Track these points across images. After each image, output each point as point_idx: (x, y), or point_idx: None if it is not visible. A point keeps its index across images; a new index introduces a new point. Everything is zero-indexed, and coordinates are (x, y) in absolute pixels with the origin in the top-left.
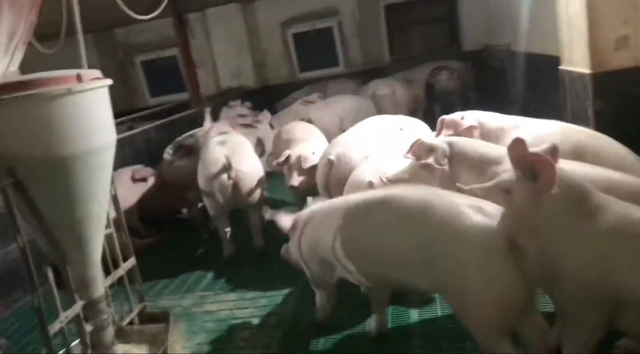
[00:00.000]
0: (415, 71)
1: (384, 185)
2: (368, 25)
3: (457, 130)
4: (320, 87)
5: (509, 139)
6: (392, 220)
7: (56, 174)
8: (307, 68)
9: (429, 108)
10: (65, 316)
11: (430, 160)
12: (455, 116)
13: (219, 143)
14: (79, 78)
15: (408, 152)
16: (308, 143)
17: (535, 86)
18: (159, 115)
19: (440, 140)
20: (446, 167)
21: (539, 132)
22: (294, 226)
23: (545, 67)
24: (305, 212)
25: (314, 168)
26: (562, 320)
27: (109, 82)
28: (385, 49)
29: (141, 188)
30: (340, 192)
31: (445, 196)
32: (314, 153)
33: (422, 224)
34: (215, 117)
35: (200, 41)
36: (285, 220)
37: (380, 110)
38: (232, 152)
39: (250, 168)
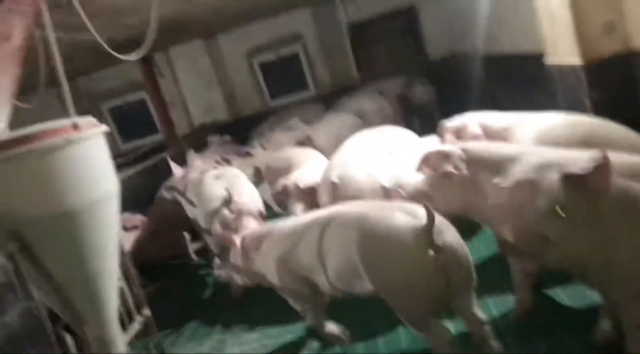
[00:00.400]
0: (387, 84)
1: (398, 193)
2: (333, 46)
3: (461, 137)
4: (285, 115)
5: (515, 138)
6: (337, 234)
7: (63, 230)
8: (278, 95)
9: (407, 121)
10: None
11: (448, 168)
12: (458, 122)
13: (214, 178)
14: (75, 127)
15: (421, 166)
16: (302, 168)
17: (511, 85)
18: (136, 160)
19: (452, 146)
20: (466, 172)
21: (544, 126)
22: (244, 247)
23: (520, 64)
24: (255, 233)
25: (314, 191)
26: (624, 318)
27: (106, 128)
28: (353, 67)
29: (134, 237)
30: None
31: (378, 206)
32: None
33: (360, 232)
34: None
35: (167, 81)
36: (235, 239)
37: (368, 125)
38: (230, 185)
39: (250, 199)
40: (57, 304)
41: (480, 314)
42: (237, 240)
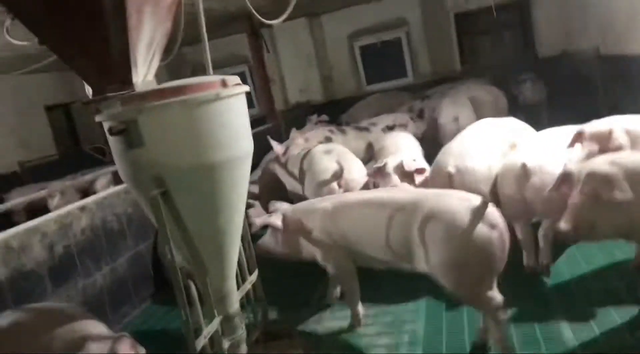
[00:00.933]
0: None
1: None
2: (438, 35)
3: (604, 145)
4: (372, 101)
5: None
6: (393, 214)
7: (203, 183)
8: (374, 80)
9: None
10: (208, 331)
11: (612, 193)
12: (600, 127)
13: (324, 153)
14: (224, 83)
15: (564, 187)
16: (405, 152)
17: (636, 89)
18: None
19: (603, 161)
20: (630, 194)
21: None
22: (286, 222)
23: None
24: (301, 208)
25: (412, 176)
26: None
27: (247, 88)
28: (456, 57)
29: None
30: None
31: (433, 192)
32: (414, 160)
33: (417, 215)
34: (287, 133)
35: (269, 57)
36: (274, 218)
37: (480, 116)
38: (341, 160)
39: (358, 175)
40: (185, 253)
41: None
42: (279, 218)
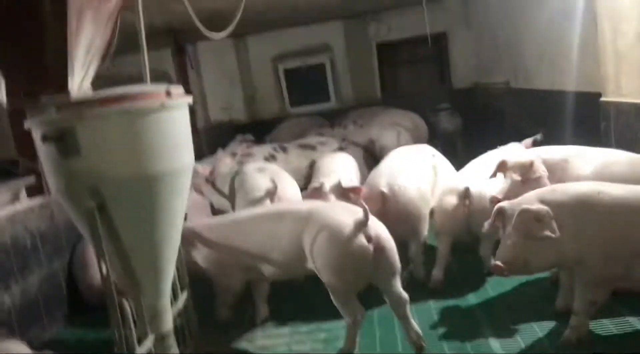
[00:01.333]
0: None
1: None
2: (360, 62)
3: (525, 174)
4: (294, 123)
5: (575, 169)
6: (291, 224)
7: (141, 194)
8: (298, 103)
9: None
10: (141, 351)
11: (544, 232)
12: (522, 159)
13: (257, 171)
14: (168, 93)
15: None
16: (340, 173)
17: (543, 121)
18: None
19: (533, 199)
20: (558, 233)
21: (604, 161)
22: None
23: (557, 101)
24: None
25: (347, 194)
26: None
27: (191, 98)
28: (377, 85)
29: None
30: (396, 228)
31: (325, 205)
32: (351, 180)
33: (310, 223)
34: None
35: (192, 74)
36: None
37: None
38: (274, 178)
39: (292, 195)
40: (118, 269)
41: (404, 294)
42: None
